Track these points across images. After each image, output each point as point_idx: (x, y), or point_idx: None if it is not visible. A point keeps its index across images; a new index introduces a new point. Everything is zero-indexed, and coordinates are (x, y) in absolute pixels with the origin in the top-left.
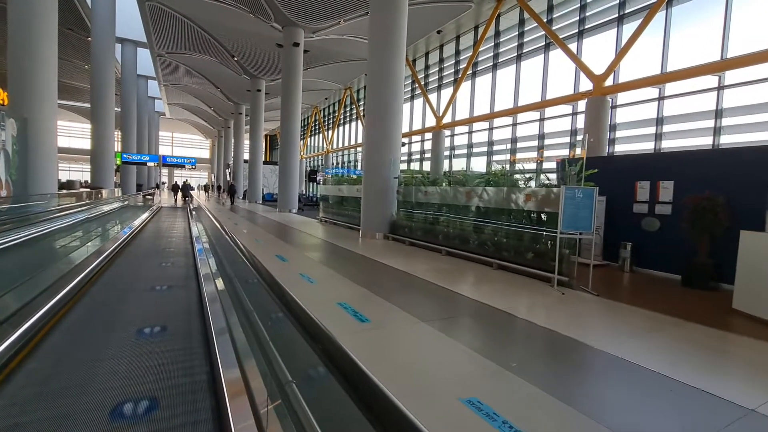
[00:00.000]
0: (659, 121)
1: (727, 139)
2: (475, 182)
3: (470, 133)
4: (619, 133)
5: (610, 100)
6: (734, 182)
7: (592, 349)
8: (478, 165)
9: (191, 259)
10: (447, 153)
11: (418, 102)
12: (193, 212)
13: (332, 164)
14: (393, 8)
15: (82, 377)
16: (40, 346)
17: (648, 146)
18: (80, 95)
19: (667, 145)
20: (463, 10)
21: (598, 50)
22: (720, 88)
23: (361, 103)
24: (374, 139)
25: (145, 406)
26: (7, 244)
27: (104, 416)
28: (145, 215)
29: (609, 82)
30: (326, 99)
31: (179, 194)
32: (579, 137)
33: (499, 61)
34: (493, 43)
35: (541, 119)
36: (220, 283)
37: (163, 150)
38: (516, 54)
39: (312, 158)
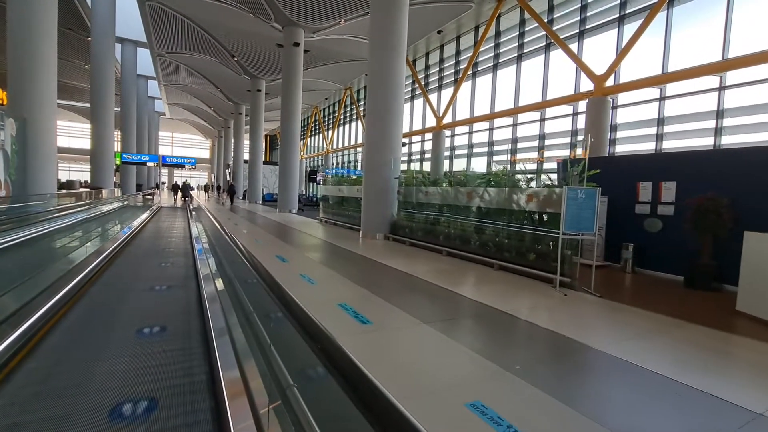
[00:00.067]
0: (660, 121)
1: (728, 140)
2: (476, 183)
3: (471, 133)
4: (619, 134)
5: (611, 100)
6: (738, 183)
7: (595, 350)
8: (479, 165)
9: (191, 259)
10: (447, 153)
11: (419, 102)
12: (193, 212)
13: (332, 164)
14: (393, 8)
15: (81, 377)
16: (39, 346)
17: (649, 147)
18: (80, 95)
19: (668, 145)
20: (464, 10)
21: (598, 50)
22: (721, 88)
23: (361, 103)
24: (374, 139)
25: (144, 406)
26: (6, 244)
27: (103, 416)
28: (144, 215)
29: (610, 82)
30: (326, 99)
31: (179, 194)
32: (580, 138)
33: (500, 61)
34: (493, 44)
35: (542, 119)
36: (219, 284)
37: (163, 150)
38: (516, 54)
39: (312, 158)
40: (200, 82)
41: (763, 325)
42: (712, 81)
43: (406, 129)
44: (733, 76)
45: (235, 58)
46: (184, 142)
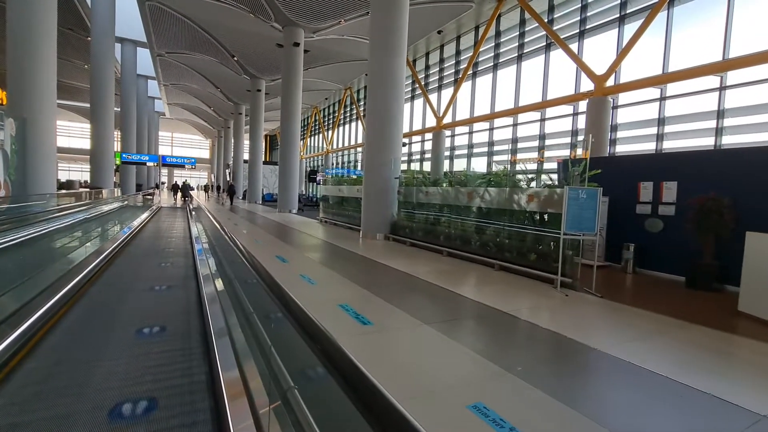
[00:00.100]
0: (661, 121)
1: (729, 140)
2: (477, 183)
3: (471, 133)
4: (620, 134)
5: (612, 100)
6: (738, 183)
7: (596, 351)
8: (479, 165)
9: (191, 259)
10: (447, 153)
11: (419, 102)
12: (193, 212)
13: (332, 164)
14: (393, 8)
15: (81, 377)
16: (39, 346)
17: (649, 147)
18: (80, 95)
19: (669, 145)
20: (464, 10)
21: (599, 50)
22: (722, 88)
23: (361, 103)
24: (375, 139)
25: (144, 406)
26: (6, 244)
27: (103, 416)
28: (144, 215)
29: (610, 82)
30: (326, 99)
31: (179, 194)
32: (580, 138)
33: (500, 61)
34: (493, 44)
35: (542, 119)
36: (219, 284)
37: (163, 150)
38: (517, 54)
39: (312, 158)
40: (200, 82)
41: (765, 325)
42: (712, 81)
43: (406, 129)
44: (733, 76)
45: (235, 58)
46: (184, 142)
